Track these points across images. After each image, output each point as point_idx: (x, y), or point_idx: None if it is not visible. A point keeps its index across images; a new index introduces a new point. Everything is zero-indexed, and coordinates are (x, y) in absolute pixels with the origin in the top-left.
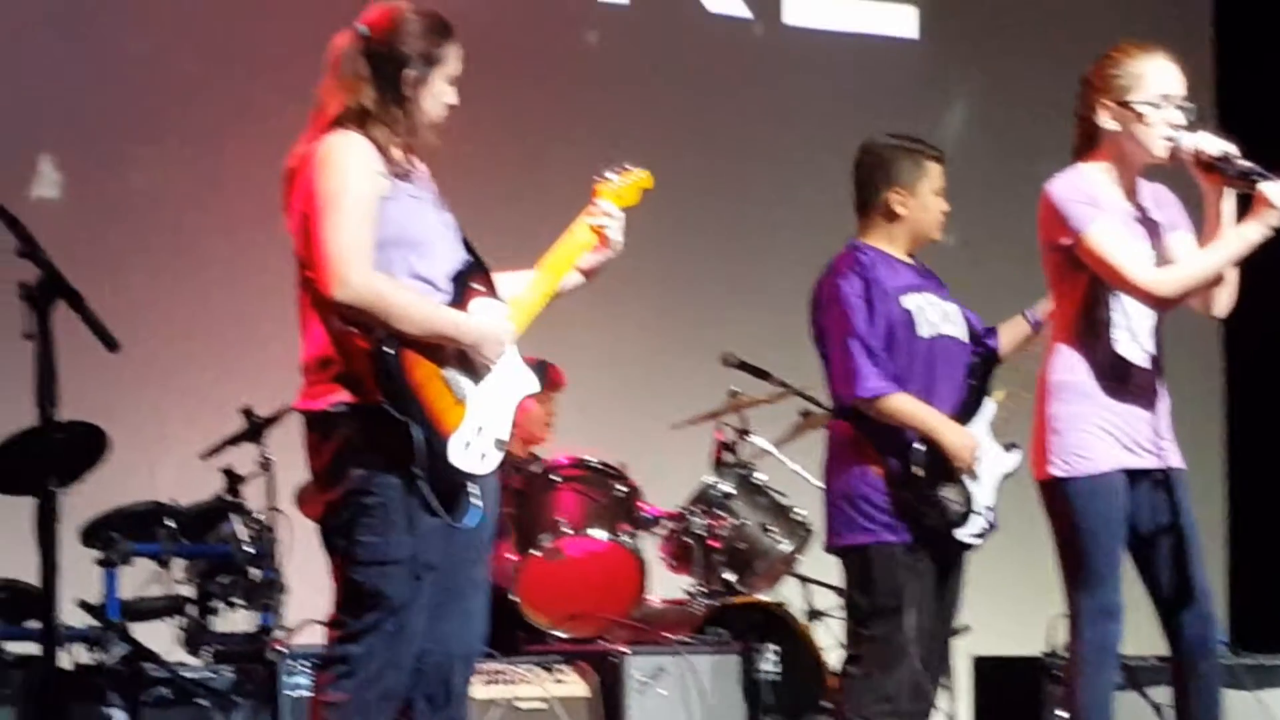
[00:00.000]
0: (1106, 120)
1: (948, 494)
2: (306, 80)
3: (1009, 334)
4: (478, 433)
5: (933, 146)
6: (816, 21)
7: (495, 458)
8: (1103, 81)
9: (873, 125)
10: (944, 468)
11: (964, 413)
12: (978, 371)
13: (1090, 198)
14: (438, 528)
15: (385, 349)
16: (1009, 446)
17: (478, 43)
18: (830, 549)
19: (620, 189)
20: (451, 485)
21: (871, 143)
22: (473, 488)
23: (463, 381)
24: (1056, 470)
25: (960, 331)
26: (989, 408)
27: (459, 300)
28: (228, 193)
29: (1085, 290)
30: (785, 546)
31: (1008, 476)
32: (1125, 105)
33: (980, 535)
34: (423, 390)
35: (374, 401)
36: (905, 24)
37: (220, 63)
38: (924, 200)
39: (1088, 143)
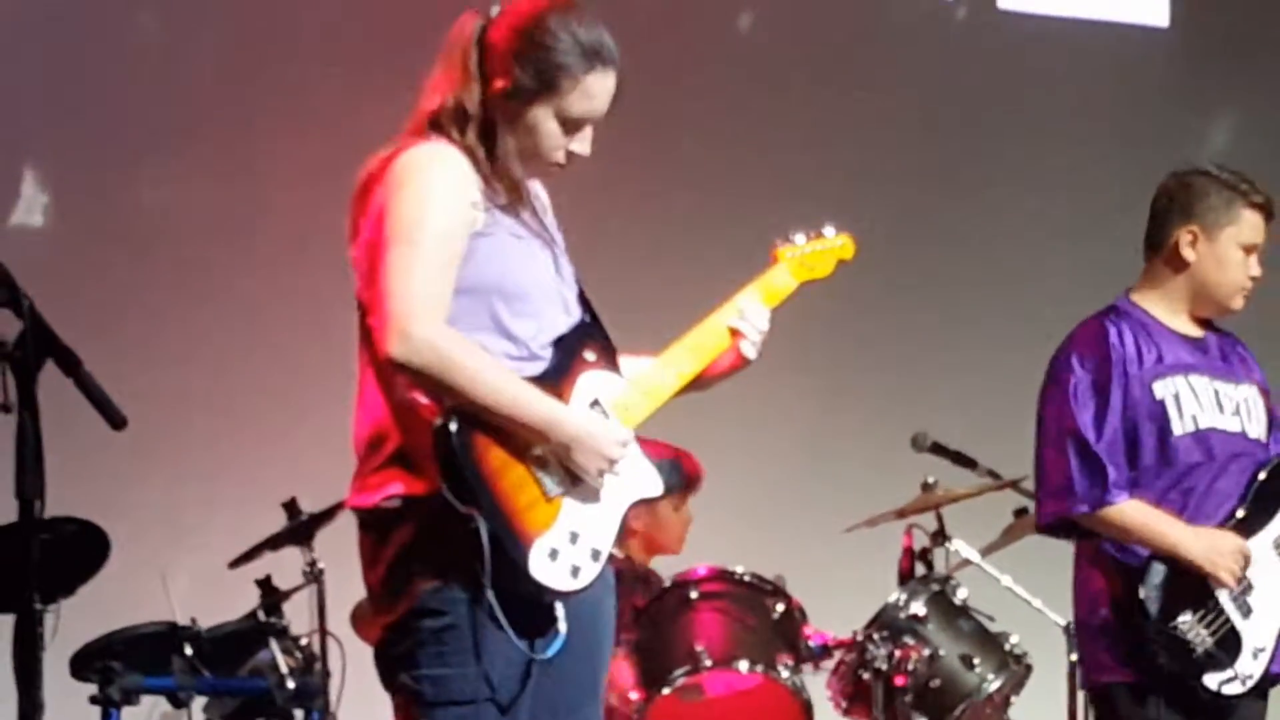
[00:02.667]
0: None
1: (1189, 627)
2: (361, 81)
3: None
4: (570, 540)
5: (1260, 191)
6: (1038, 4)
7: (591, 573)
8: None
9: (1108, 138)
10: (1190, 593)
11: (1245, 524)
12: (1267, 476)
13: None
14: (522, 657)
15: (449, 423)
16: None
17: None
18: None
19: (806, 258)
20: (532, 604)
21: (1183, 170)
22: (559, 609)
23: (555, 474)
24: None
25: (1246, 425)
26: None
27: (563, 372)
28: (261, 222)
29: None
30: (994, 684)
31: None
32: None
33: (1244, 684)
34: (498, 479)
35: (434, 492)
36: (1153, 8)
37: (249, 61)
38: (1223, 252)
39: None
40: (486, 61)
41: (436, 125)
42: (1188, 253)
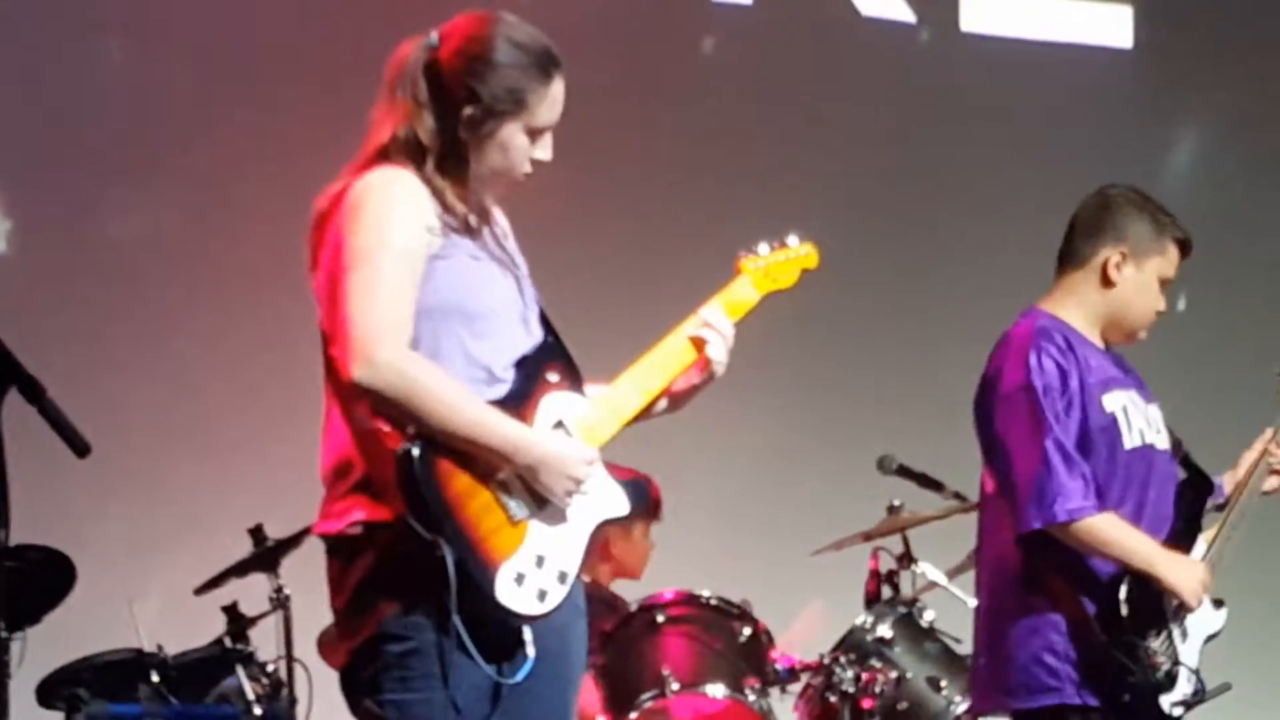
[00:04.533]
0: None
1: (1154, 646)
2: (340, 103)
3: None
4: (537, 564)
5: (1182, 228)
6: (1001, 26)
7: (558, 596)
8: None
9: (1069, 164)
10: (1153, 614)
11: (1176, 546)
12: (1188, 498)
13: None
14: (489, 682)
15: (412, 449)
16: (1216, 603)
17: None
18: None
19: (771, 268)
20: (499, 629)
21: (1115, 189)
22: (527, 634)
23: (520, 497)
24: None
25: (1166, 443)
26: (1199, 547)
27: (526, 394)
28: (235, 247)
29: None
30: (960, 706)
31: (1212, 638)
32: None
33: (1186, 704)
34: (462, 505)
35: (398, 518)
36: (1116, 30)
37: (218, 91)
38: (1145, 280)
39: None
40: (440, 89)
41: (386, 157)
42: (1114, 274)
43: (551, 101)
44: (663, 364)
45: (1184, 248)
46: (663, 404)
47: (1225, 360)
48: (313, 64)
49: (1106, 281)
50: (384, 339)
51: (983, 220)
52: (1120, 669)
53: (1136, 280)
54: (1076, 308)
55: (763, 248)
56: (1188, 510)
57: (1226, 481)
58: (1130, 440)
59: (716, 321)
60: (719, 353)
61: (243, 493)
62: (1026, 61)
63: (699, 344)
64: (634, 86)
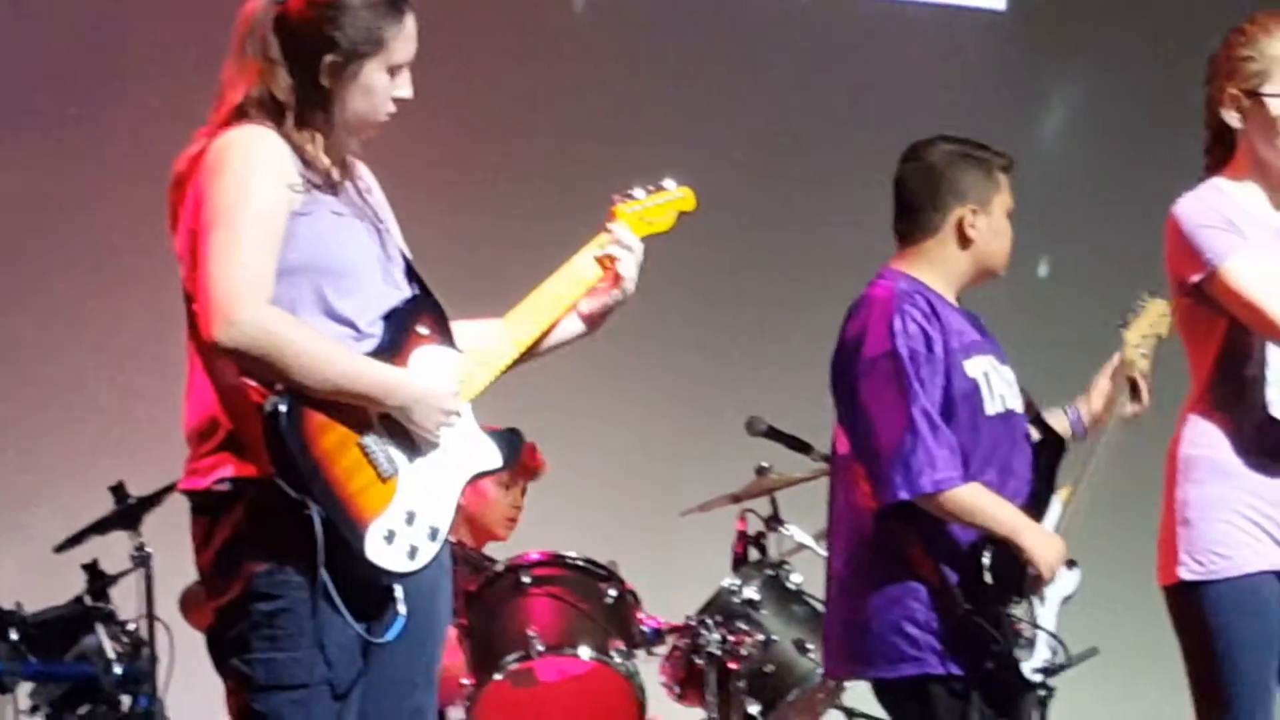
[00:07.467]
0: (1233, 117)
1: (1017, 615)
2: (212, 61)
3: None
4: (407, 521)
5: (1000, 153)
6: None
7: (429, 553)
8: (1230, 66)
9: (940, 125)
10: (1014, 582)
11: (1033, 511)
12: (1044, 460)
13: (1226, 222)
14: (358, 641)
15: (278, 406)
16: (1069, 563)
17: (437, 12)
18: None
19: (646, 211)
20: (368, 587)
21: (928, 148)
22: (398, 591)
23: (391, 453)
24: (1187, 572)
25: (1022, 406)
26: (1055, 508)
27: (394, 348)
28: (100, 207)
29: (1224, 339)
30: None
31: (1068, 600)
32: (1256, 97)
33: (1047, 670)
34: (331, 463)
35: (266, 475)
36: None
37: (97, 36)
38: (997, 223)
39: (1221, 148)
40: (295, 42)
41: (243, 116)
42: (970, 231)
43: (407, 37)
44: (535, 315)
45: (1010, 171)
46: (577, 328)
47: (1090, 321)
48: (185, 26)
49: (965, 241)
50: (245, 297)
51: (853, 181)
52: (984, 638)
53: (990, 227)
54: (936, 271)
55: (638, 191)
56: (1043, 472)
57: (1082, 409)
58: (992, 406)
59: (625, 237)
60: (629, 269)
61: (104, 450)
62: (900, 22)
63: (607, 262)
64: (506, 48)
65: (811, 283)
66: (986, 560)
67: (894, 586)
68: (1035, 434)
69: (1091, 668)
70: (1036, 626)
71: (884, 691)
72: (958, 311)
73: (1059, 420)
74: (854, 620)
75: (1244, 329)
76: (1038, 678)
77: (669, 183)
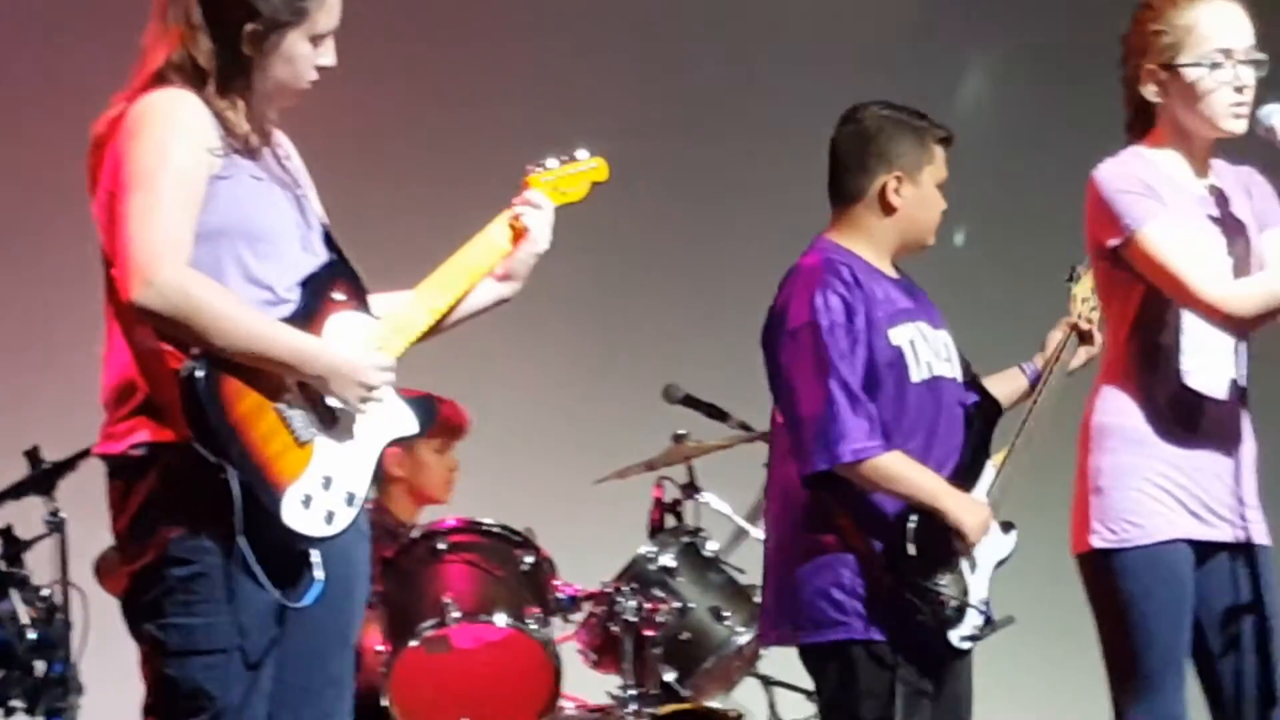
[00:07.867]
0: (1152, 91)
1: (943, 583)
2: (131, 31)
3: (999, 390)
4: (324, 485)
5: (941, 125)
6: None
7: (346, 518)
8: (1143, 42)
9: (861, 91)
10: (941, 549)
11: (963, 478)
12: (977, 425)
13: (1146, 187)
14: (274, 606)
15: (195, 370)
16: (1005, 526)
17: None
18: (799, 646)
19: (560, 181)
20: (285, 552)
21: (865, 112)
22: (314, 556)
23: (307, 417)
24: (1099, 540)
25: (957, 371)
26: (988, 473)
27: (310, 313)
28: (13, 170)
29: (1141, 306)
30: (743, 637)
31: (1002, 564)
32: (1172, 69)
33: (974, 637)
34: (248, 427)
35: (183, 440)
36: None
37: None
38: (925, 193)
39: (1141, 119)
40: (216, 9)
41: (163, 81)
42: (894, 199)
43: (330, 7)
44: (449, 279)
45: (948, 144)
46: (497, 292)
47: (1007, 289)
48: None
49: (888, 208)
50: (164, 259)
51: (773, 147)
52: (908, 608)
53: (917, 196)
54: (864, 238)
55: (551, 162)
56: (976, 437)
57: (1040, 365)
58: (918, 373)
59: (535, 198)
60: (538, 225)
61: (19, 414)
62: None
63: (519, 226)
64: (416, 16)
65: (729, 251)
66: (910, 531)
67: (824, 555)
68: (974, 397)
69: (1022, 633)
70: (963, 598)
71: (809, 656)
72: (888, 280)
73: (1015, 379)
74: (785, 587)
75: (1160, 296)
76: (966, 645)
77: (582, 153)
